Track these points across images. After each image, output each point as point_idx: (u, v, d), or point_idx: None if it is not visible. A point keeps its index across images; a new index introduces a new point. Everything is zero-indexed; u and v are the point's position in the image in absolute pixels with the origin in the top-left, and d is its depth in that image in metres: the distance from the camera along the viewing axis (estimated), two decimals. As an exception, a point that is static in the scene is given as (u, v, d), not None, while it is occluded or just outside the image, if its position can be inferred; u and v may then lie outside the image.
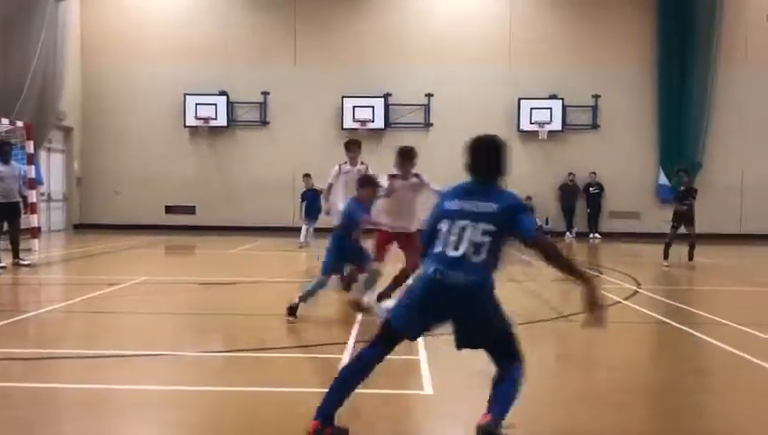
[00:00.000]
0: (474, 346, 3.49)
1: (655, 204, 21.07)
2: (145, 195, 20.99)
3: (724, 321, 7.30)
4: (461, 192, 3.56)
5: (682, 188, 13.57)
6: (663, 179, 20.84)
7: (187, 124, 20.93)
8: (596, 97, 20.90)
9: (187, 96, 20.69)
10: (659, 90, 20.78)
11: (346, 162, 8.96)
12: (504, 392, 3.39)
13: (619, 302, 8.52)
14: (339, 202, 8.50)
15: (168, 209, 21.27)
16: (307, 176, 16.19)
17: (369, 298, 7.09)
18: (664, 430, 4.10)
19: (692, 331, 6.80)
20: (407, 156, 7.43)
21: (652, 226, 20.57)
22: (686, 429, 4.10)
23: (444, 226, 3.47)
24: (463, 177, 3.63)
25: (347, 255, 7.08)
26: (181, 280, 10.39)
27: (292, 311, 6.82)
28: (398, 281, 7.39)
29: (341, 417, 3.45)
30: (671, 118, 20.59)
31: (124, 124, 21.05)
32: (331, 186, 9.01)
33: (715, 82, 20.45)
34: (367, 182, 7.09)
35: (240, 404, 4.35)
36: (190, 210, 21.24)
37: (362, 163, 9.04)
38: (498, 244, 3.41)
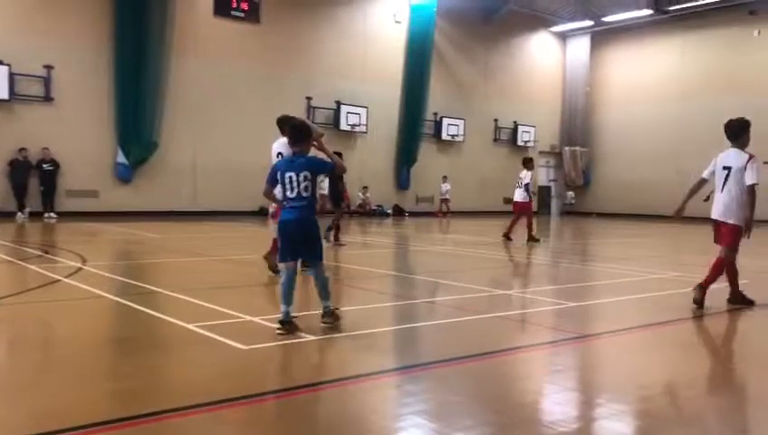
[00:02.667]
0: None
1: (114, 182, 21.13)
2: None
3: (157, 289, 7.81)
4: None
5: None
6: (121, 158, 21.00)
7: None
8: (48, 68, 19.71)
9: None
10: (116, 71, 20.80)
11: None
12: None
13: (60, 280, 8.26)
14: None
15: None
16: None
17: None
18: (88, 396, 4.11)
19: (127, 302, 7.03)
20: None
21: (111, 204, 20.67)
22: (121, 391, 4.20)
23: None
24: None
25: None
26: None
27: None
28: None
29: None
30: (128, 99, 20.85)
31: None
32: None
33: (168, 69, 21.50)
34: None
35: None
36: None
37: None
38: None
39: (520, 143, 32.01)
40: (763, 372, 5.15)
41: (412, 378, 4.65)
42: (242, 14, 23.42)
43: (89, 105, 20.47)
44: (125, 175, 21.16)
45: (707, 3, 27.57)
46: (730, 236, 7.10)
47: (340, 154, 12.88)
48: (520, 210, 15.49)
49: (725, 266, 7.24)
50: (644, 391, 4.46)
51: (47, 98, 19.80)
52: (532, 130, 32.26)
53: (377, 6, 26.98)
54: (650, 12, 28.90)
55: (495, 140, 31.55)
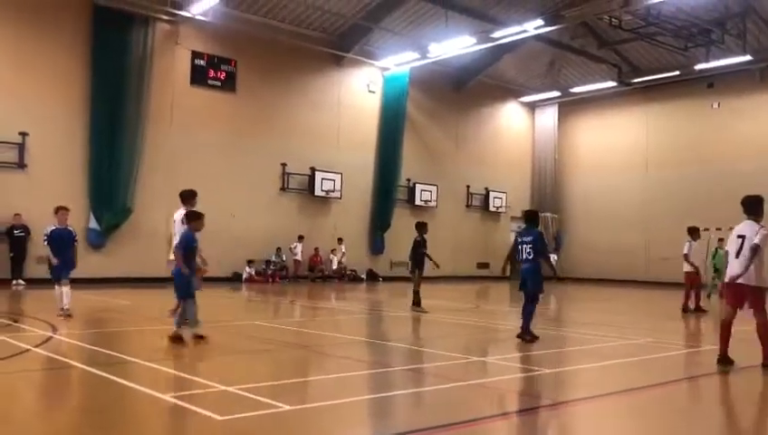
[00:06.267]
0: None
1: (85, 248, 20.86)
2: None
3: (130, 358, 7.72)
4: None
5: None
6: (93, 223, 20.86)
7: None
8: (23, 134, 19.73)
9: None
10: (91, 137, 20.84)
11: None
12: None
13: (29, 349, 8.12)
14: None
15: None
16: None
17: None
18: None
19: (99, 371, 6.93)
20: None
21: (82, 270, 20.25)
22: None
23: None
24: None
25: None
26: None
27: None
28: None
29: None
30: (102, 165, 20.84)
31: None
32: None
33: (144, 136, 21.68)
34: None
35: None
36: None
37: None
38: None
39: (492, 209, 32.48)
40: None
41: (389, 448, 4.65)
42: (218, 84, 23.82)
43: (62, 171, 20.41)
44: (97, 241, 20.98)
45: (668, 76, 28.76)
46: (762, 300, 7.83)
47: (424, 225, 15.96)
48: (687, 281, 15.53)
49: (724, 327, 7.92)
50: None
51: (20, 165, 19.74)
52: (503, 196, 32.80)
53: (351, 76, 27.65)
54: (614, 84, 30.06)
55: (468, 205, 31.99)
